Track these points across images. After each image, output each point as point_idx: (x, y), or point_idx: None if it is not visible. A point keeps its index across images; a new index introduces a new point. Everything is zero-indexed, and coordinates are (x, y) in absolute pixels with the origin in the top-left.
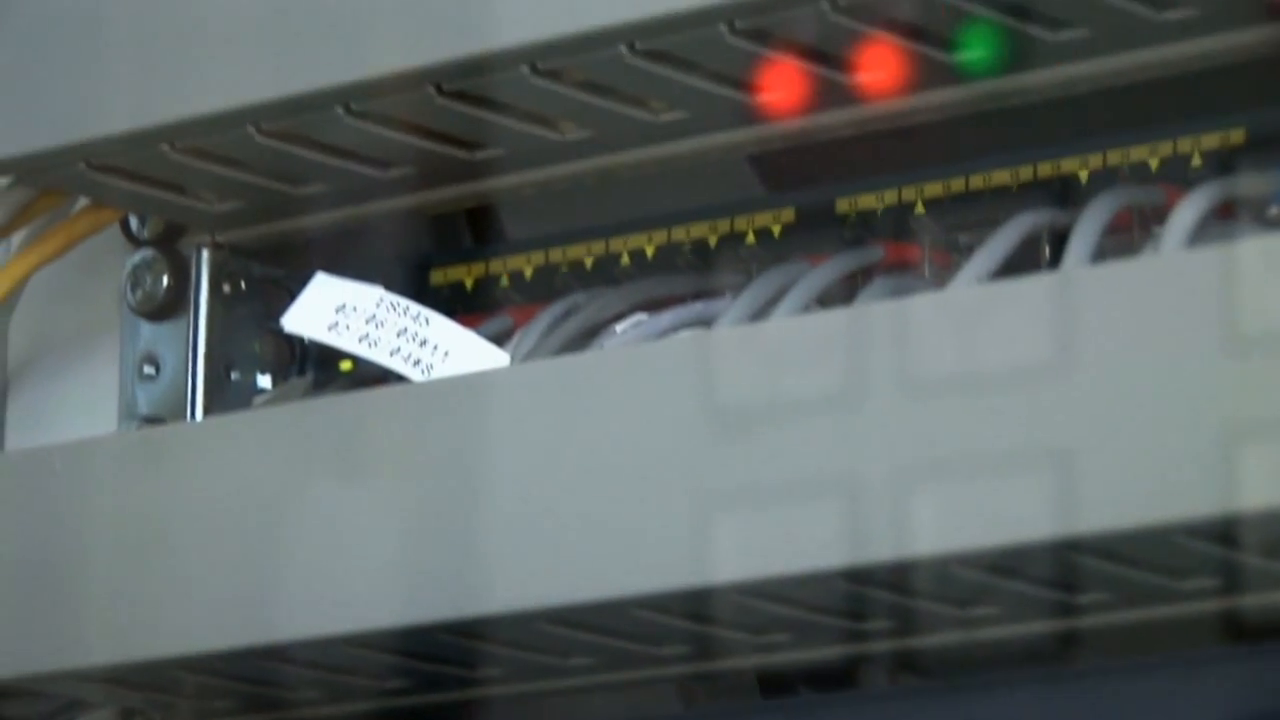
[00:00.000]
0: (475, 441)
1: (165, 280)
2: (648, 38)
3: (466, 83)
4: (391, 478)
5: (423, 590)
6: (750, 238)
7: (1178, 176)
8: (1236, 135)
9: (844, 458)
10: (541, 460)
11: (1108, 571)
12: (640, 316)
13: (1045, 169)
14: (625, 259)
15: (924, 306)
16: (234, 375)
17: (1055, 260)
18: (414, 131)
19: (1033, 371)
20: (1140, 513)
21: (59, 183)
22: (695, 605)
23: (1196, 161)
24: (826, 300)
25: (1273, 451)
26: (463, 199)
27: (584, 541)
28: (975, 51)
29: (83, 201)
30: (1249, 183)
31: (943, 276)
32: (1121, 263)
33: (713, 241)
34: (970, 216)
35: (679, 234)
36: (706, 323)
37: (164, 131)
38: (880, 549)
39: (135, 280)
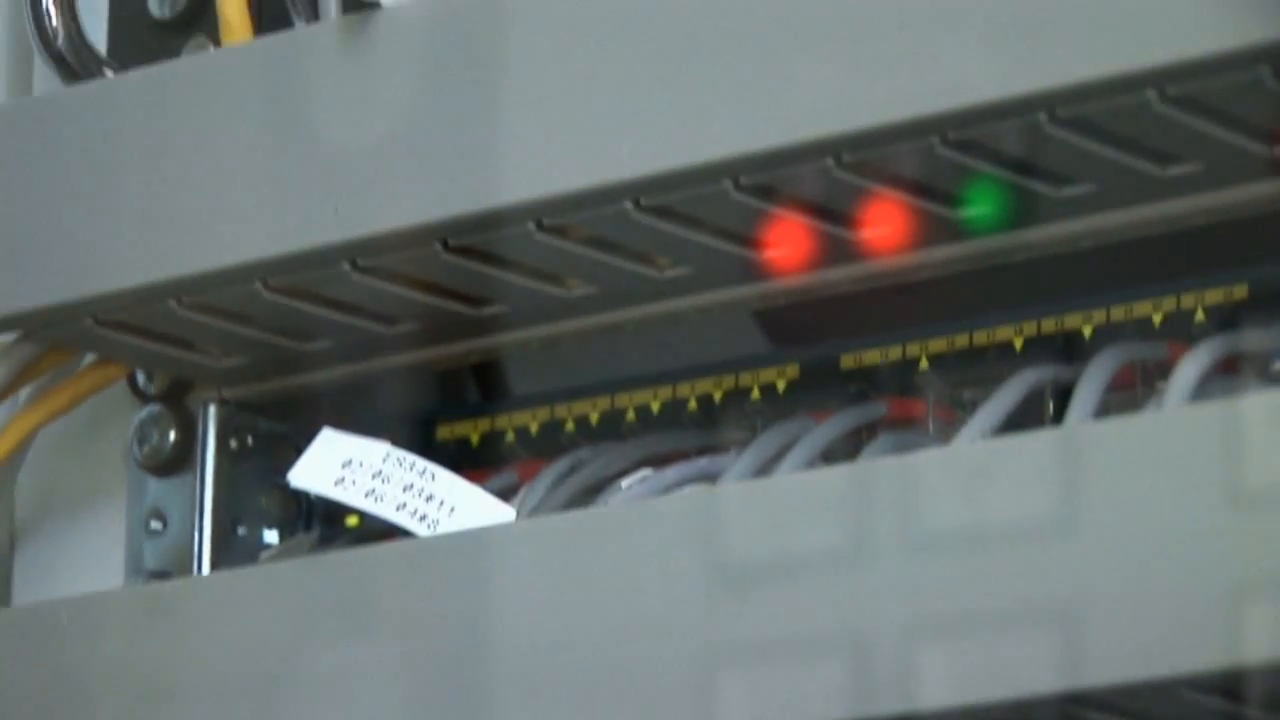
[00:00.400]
0: (481, 597)
1: (172, 436)
2: (653, 194)
3: (472, 239)
4: (397, 633)
5: None
6: (755, 393)
7: (1181, 332)
8: (1239, 290)
9: (849, 613)
10: (547, 616)
11: None
12: (645, 472)
13: (1049, 324)
14: (630, 414)
15: (928, 462)
16: (241, 530)
17: (1059, 416)
18: (420, 287)
19: (1037, 527)
20: (1145, 666)
21: (66, 338)
22: None
23: (1200, 317)
24: (831, 456)
25: (1277, 606)
26: (469, 354)
27: (589, 697)
28: (979, 208)
29: (89, 357)
30: (1252, 338)
31: (947, 432)
32: (1125, 418)
33: (717, 397)
34: (974, 372)
35: (684, 390)
36: (711, 478)
37: (171, 287)
38: (886, 703)
39: (142, 436)
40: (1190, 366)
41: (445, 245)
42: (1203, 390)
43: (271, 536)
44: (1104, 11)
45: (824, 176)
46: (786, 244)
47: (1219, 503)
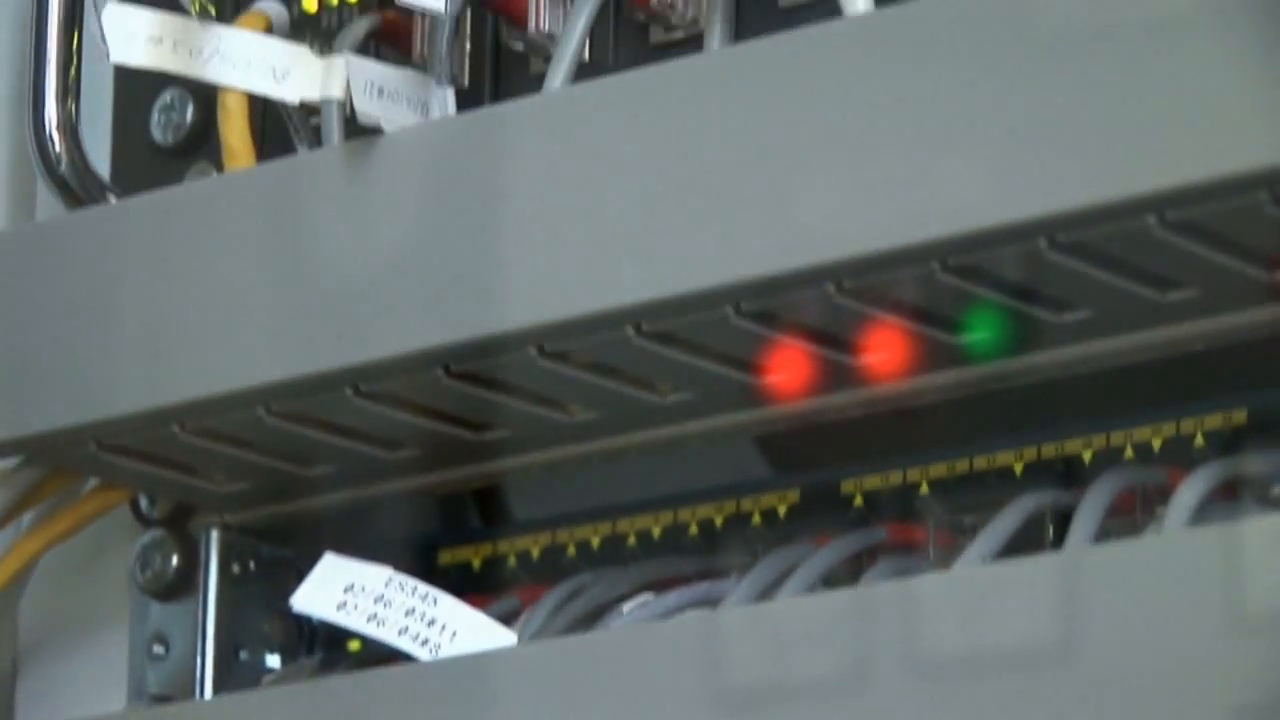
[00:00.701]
0: None
1: (174, 560)
2: (654, 319)
3: (475, 364)
4: None
5: None
6: (756, 518)
7: (1181, 457)
8: (1239, 416)
9: None
10: None
11: None
12: (646, 596)
13: (1049, 450)
14: (632, 539)
15: (929, 586)
16: (243, 655)
17: (1059, 540)
18: (422, 412)
19: (1037, 651)
20: None
21: (69, 463)
22: None
23: (1199, 442)
24: (831, 581)
25: None
26: (470, 479)
27: None
28: (980, 333)
29: (92, 482)
30: (1252, 463)
31: (947, 557)
32: (1125, 542)
33: (719, 522)
34: (974, 497)
35: (685, 515)
36: (712, 603)
37: (174, 412)
38: None
39: (145, 560)
40: (1189, 491)
41: (447, 370)
42: (1202, 515)
43: (274, 661)
44: (1103, 137)
45: (825, 302)
46: (787, 369)
47: (1219, 627)
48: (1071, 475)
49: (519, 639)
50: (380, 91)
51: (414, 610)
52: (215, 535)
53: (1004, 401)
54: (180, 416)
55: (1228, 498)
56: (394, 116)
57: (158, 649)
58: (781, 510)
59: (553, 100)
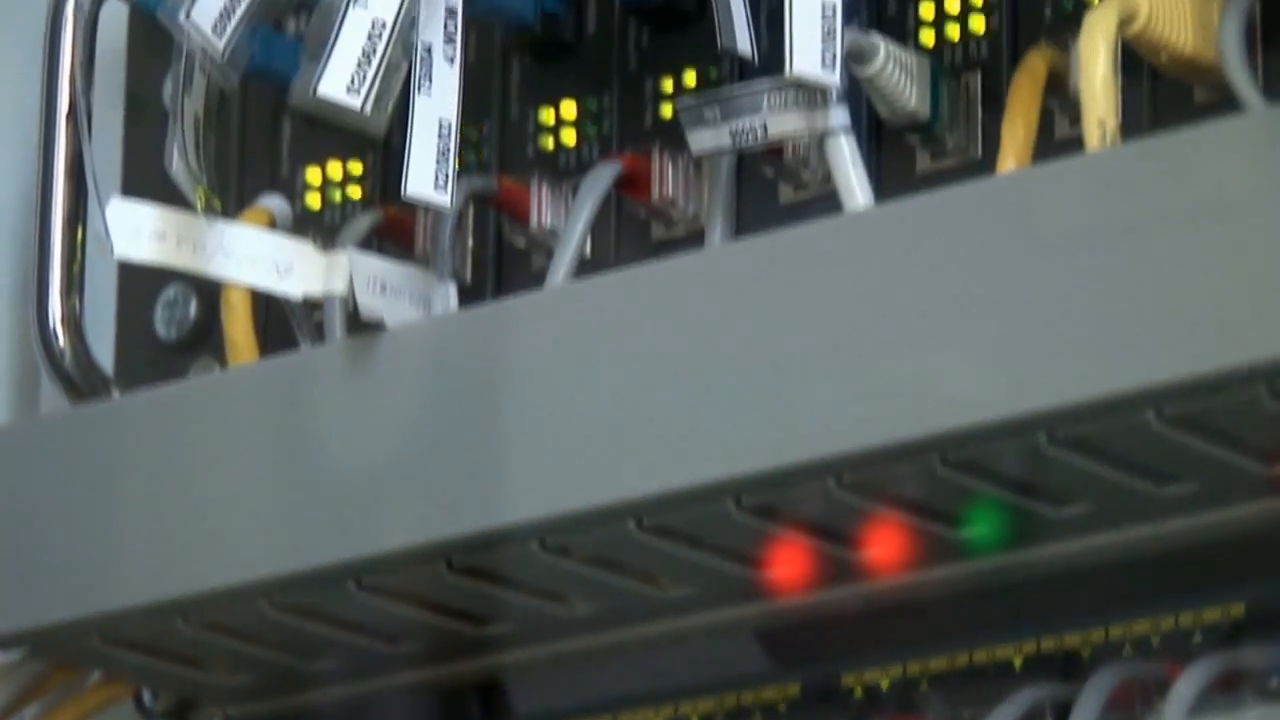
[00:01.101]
0: None
1: None
2: (656, 514)
3: (477, 558)
4: None
5: None
6: (757, 715)
7: (1179, 650)
8: (1236, 610)
9: None
10: None
11: None
12: None
13: (1048, 644)
14: None
15: None
16: None
17: None
18: (424, 606)
19: None
20: None
21: (72, 656)
22: None
23: (1197, 637)
24: None
25: None
26: (472, 673)
27: None
28: (980, 528)
29: (95, 675)
30: (1250, 656)
31: None
32: None
33: (719, 716)
34: (974, 691)
35: (686, 708)
36: None
37: (177, 606)
38: None
39: None
40: (1188, 684)
41: (449, 565)
42: (1201, 708)
43: None
44: (1101, 332)
45: (825, 497)
46: (788, 564)
47: None
48: (1070, 669)
49: None
50: (383, 287)
51: None
52: None
53: (1003, 596)
54: (183, 610)
55: (1227, 691)
56: (396, 312)
57: None
58: (782, 704)
59: (555, 296)
